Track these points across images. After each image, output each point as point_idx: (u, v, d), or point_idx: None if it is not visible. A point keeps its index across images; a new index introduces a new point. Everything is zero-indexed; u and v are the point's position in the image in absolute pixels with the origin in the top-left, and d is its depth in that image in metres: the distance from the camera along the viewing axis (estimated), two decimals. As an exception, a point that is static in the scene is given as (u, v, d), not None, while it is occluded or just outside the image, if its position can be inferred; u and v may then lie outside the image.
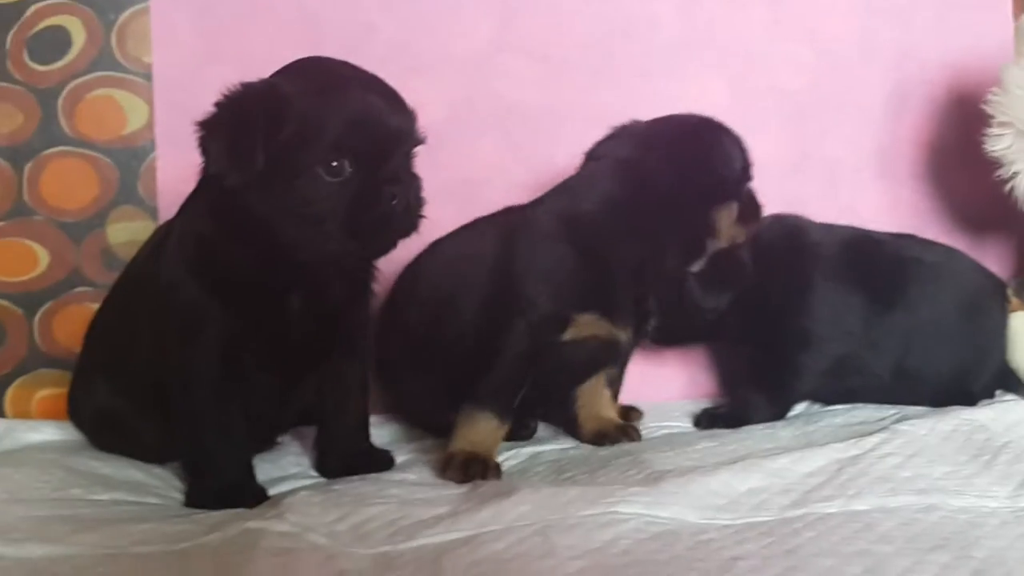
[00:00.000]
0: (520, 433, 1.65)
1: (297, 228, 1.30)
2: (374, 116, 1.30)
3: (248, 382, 1.39)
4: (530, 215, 1.56)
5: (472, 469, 1.42)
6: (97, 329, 1.63)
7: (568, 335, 1.49)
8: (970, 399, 1.66)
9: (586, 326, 1.50)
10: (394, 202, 1.31)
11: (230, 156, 1.28)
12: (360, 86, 1.32)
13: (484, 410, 1.47)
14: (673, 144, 1.54)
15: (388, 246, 1.36)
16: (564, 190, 1.58)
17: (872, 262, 1.72)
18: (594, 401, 1.67)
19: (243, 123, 1.28)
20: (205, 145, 1.31)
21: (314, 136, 1.27)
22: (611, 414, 1.67)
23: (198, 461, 1.40)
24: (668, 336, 1.72)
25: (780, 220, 1.75)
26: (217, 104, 1.31)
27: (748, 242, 1.64)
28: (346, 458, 1.51)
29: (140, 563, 1.06)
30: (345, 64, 1.36)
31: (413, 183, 1.35)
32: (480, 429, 1.47)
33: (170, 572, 1.03)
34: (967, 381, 1.71)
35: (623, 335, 1.54)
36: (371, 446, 1.57)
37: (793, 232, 1.74)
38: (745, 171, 1.60)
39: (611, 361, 1.63)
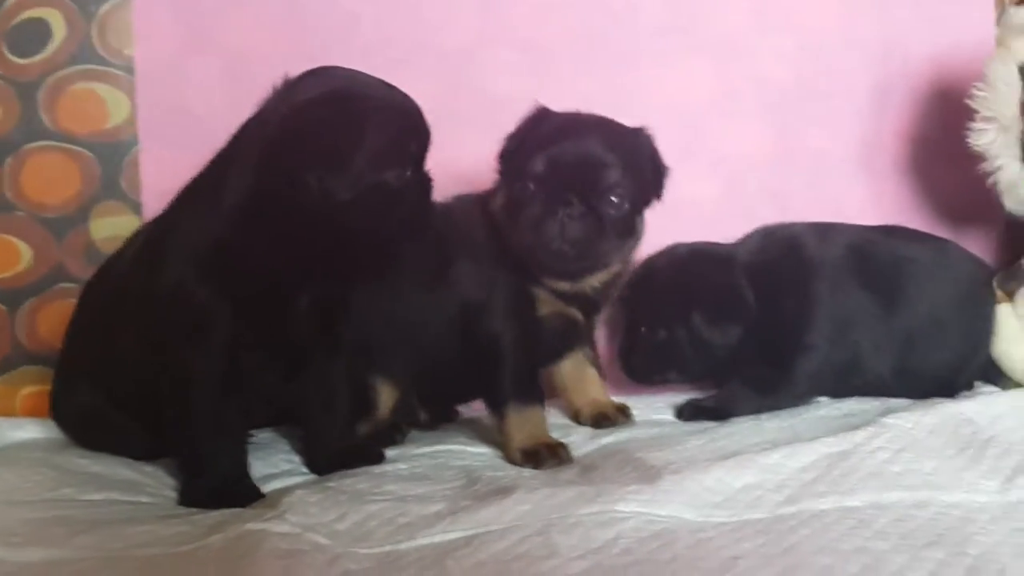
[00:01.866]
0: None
1: (377, 230, 1.37)
2: (422, 124, 1.41)
3: (247, 380, 1.40)
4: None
5: (561, 453, 1.47)
6: (76, 330, 1.62)
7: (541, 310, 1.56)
8: (951, 391, 1.68)
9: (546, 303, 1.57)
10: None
11: (336, 170, 1.31)
12: (402, 96, 1.40)
13: (527, 404, 1.52)
14: None
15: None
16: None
17: (871, 267, 1.74)
18: (584, 385, 1.72)
19: (345, 137, 1.32)
20: (299, 160, 1.31)
21: (389, 147, 1.35)
22: (605, 397, 1.72)
23: (194, 460, 1.40)
24: (686, 374, 1.76)
25: (773, 234, 1.77)
26: (296, 118, 1.32)
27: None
28: (336, 454, 1.52)
29: (143, 567, 1.06)
30: (363, 73, 1.41)
31: None
32: (536, 422, 1.52)
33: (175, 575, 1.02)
34: (962, 372, 1.74)
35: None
36: (359, 440, 1.58)
37: (790, 246, 1.75)
38: None
39: (573, 340, 1.68)
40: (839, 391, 1.75)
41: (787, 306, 1.71)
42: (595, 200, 1.50)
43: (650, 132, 1.60)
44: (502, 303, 1.54)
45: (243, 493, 1.36)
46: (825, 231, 1.78)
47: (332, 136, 1.32)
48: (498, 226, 1.56)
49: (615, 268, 1.61)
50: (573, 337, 1.68)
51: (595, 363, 1.74)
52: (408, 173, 1.38)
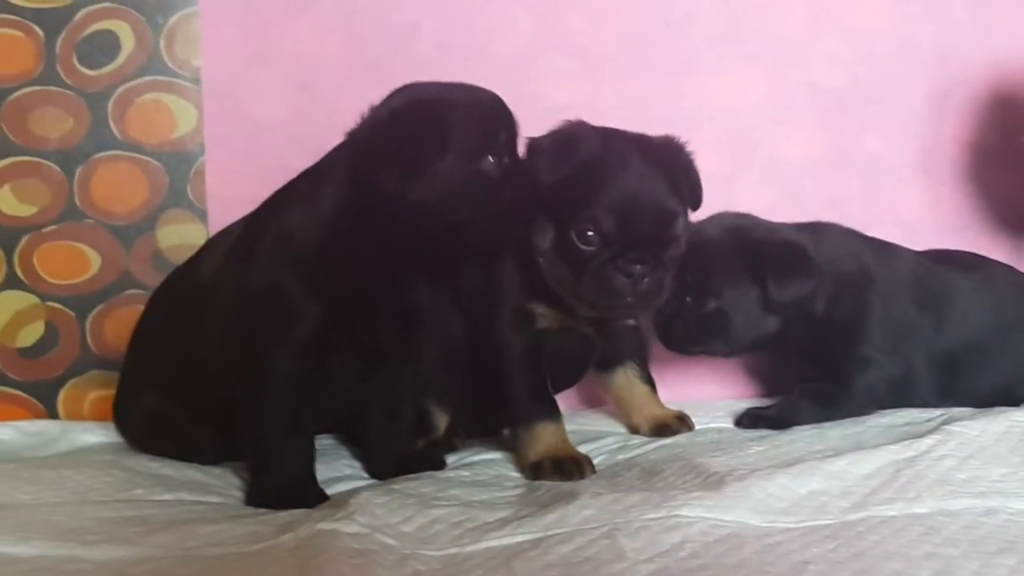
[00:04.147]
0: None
1: (480, 222, 1.39)
2: (506, 113, 1.44)
3: (325, 380, 1.42)
4: None
5: (567, 468, 1.45)
6: (143, 337, 1.65)
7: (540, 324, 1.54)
8: (1015, 401, 1.67)
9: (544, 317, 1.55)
10: None
11: (413, 170, 1.33)
12: (483, 92, 1.46)
13: (533, 421, 1.51)
14: None
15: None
16: None
17: (924, 290, 1.75)
18: (638, 403, 1.72)
19: (422, 141, 1.34)
20: (380, 159, 1.35)
21: (477, 139, 1.38)
22: (662, 409, 1.71)
23: (264, 458, 1.41)
24: (731, 345, 1.74)
25: (840, 237, 1.77)
26: (378, 127, 1.37)
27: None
28: (399, 459, 1.54)
29: (219, 564, 1.08)
30: (449, 83, 1.45)
31: None
32: (543, 438, 1.50)
33: (250, 573, 1.04)
34: (1012, 391, 1.73)
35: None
36: (421, 448, 1.60)
37: (854, 252, 1.75)
38: None
39: (590, 353, 1.66)
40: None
41: (841, 309, 1.71)
42: (663, 252, 1.47)
43: (683, 142, 1.55)
44: (506, 319, 1.54)
45: (309, 494, 1.38)
46: (883, 250, 1.79)
47: (407, 140, 1.34)
48: (529, 258, 1.52)
49: None
50: (588, 357, 1.67)
51: (644, 377, 1.72)
52: (505, 160, 1.41)
